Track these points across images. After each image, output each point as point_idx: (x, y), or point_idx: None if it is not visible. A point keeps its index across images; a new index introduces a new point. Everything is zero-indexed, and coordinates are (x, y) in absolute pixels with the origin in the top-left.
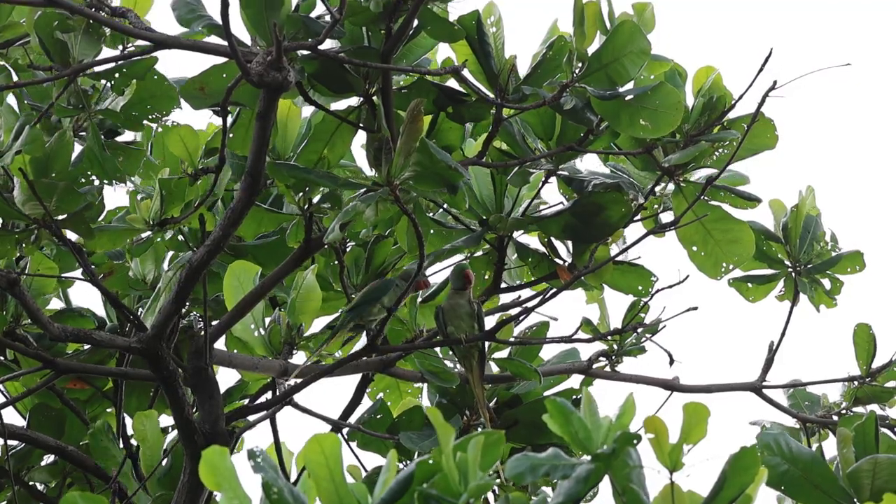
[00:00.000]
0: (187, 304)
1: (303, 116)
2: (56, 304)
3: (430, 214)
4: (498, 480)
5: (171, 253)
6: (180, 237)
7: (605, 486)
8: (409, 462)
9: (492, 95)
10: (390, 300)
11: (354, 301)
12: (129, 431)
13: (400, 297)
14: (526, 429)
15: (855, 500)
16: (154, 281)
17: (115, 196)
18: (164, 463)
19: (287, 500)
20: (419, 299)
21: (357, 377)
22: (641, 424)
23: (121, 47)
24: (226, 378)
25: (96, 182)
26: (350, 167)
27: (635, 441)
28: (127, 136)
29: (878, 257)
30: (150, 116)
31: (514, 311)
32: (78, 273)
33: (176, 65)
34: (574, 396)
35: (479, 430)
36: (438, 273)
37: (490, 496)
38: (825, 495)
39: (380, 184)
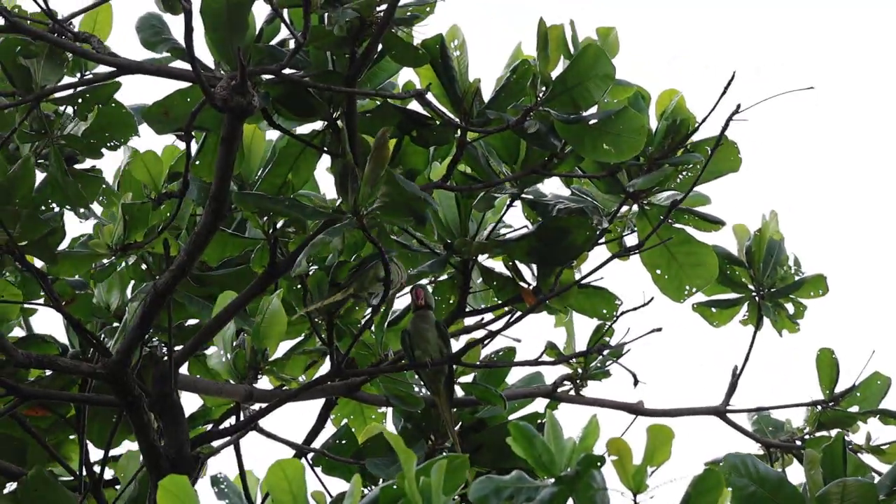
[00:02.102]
0: (151, 329)
1: (267, 140)
2: (18, 331)
3: (395, 237)
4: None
5: (133, 282)
6: (143, 266)
7: None
8: (373, 488)
9: (456, 119)
10: (394, 272)
11: (354, 268)
12: (92, 458)
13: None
14: (491, 453)
15: None
16: (118, 309)
17: (77, 224)
18: (130, 491)
19: None
20: (388, 320)
21: (321, 402)
22: (605, 447)
23: (84, 73)
24: (188, 403)
25: (57, 209)
26: (314, 196)
27: (599, 463)
28: (86, 163)
29: (840, 281)
30: (108, 144)
31: (478, 335)
32: (41, 300)
33: (139, 91)
34: (539, 420)
35: (445, 454)
36: (401, 298)
37: None
38: None
39: (346, 212)
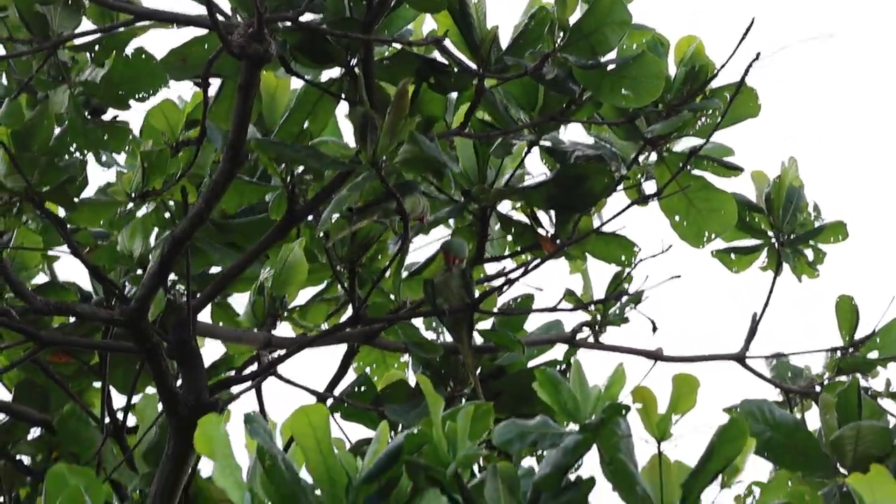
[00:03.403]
0: (170, 277)
1: (292, 90)
2: (43, 278)
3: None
4: (486, 451)
5: (157, 230)
6: (167, 214)
7: (591, 456)
8: (394, 434)
9: (474, 66)
10: (411, 205)
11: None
12: (115, 404)
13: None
14: (510, 399)
15: (838, 465)
16: (141, 257)
17: (99, 173)
18: (151, 437)
19: (280, 468)
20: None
21: (342, 350)
22: (628, 394)
23: (114, 22)
24: (211, 352)
25: (78, 155)
26: (333, 143)
27: (624, 411)
28: (111, 114)
29: (860, 227)
30: (137, 95)
31: (496, 282)
32: (62, 247)
33: (160, 43)
34: (558, 367)
35: (464, 400)
36: (420, 249)
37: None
38: (808, 461)
39: (365, 163)
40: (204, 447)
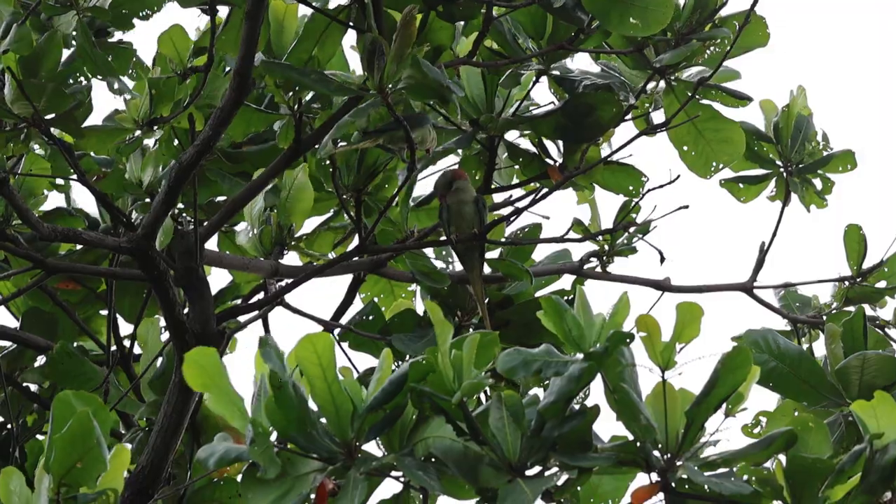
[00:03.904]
0: (177, 204)
1: (300, 17)
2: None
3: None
4: (491, 380)
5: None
6: (176, 142)
7: (597, 385)
8: (401, 363)
9: None
10: (420, 136)
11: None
12: (122, 332)
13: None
14: (517, 329)
15: (843, 395)
16: (150, 185)
17: (105, 100)
18: (157, 366)
19: (290, 394)
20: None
21: (349, 279)
22: (634, 323)
23: None
24: (218, 280)
25: (84, 82)
26: (340, 75)
27: (628, 340)
28: (116, 36)
29: (869, 156)
30: (140, 13)
31: (504, 212)
32: (71, 174)
33: None
34: (565, 297)
35: (472, 330)
36: (430, 175)
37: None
38: (813, 391)
39: (372, 90)
40: (195, 381)
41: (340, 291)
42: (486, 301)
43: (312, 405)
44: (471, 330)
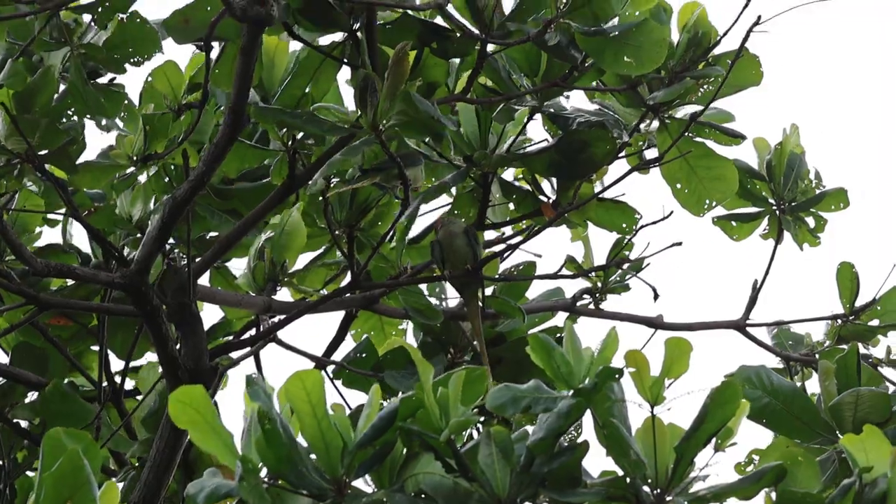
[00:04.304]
0: (170, 240)
1: (291, 52)
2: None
3: (416, 148)
4: (479, 417)
5: (156, 195)
6: (166, 178)
7: (587, 420)
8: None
9: (476, 31)
10: (413, 173)
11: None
12: (113, 368)
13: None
14: (510, 367)
15: (837, 431)
16: (140, 220)
17: (99, 137)
18: (150, 403)
19: (279, 432)
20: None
21: (341, 316)
22: (623, 359)
23: None
24: (210, 316)
25: (77, 118)
26: (334, 109)
27: (617, 375)
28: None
29: (861, 195)
30: (131, 59)
31: (498, 248)
32: (63, 210)
33: (161, 5)
34: (558, 334)
35: (465, 367)
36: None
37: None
38: (807, 427)
39: (365, 127)
40: (180, 418)
41: (333, 327)
42: None
43: (302, 441)
44: (464, 367)
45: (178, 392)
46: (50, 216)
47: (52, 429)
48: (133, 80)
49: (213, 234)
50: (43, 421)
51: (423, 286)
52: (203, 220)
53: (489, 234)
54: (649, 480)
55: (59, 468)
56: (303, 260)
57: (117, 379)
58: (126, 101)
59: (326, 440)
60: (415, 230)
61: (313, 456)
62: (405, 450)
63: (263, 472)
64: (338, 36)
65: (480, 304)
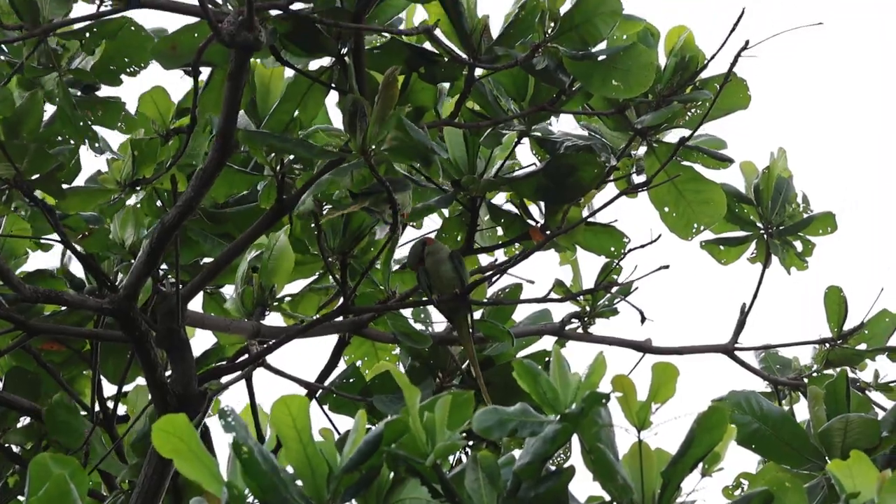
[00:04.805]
0: (160, 265)
1: (286, 79)
2: (50, 263)
3: (404, 173)
4: (471, 442)
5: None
6: (158, 202)
7: (574, 444)
8: None
9: (464, 55)
10: (402, 199)
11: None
12: (106, 393)
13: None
14: (499, 390)
15: (826, 457)
16: (133, 245)
17: (91, 160)
18: (141, 428)
19: (257, 460)
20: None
21: (334, 342)
22: (610, 384)
23: (95, 4)
24: (202, 342)
25: (72, 143)
26: (325, 129)
27: (604, 400)
28: (105, 91)
29: (849, 219)
30: (127, 70)
31: (486, 272)
32: (52, 235)
33: (150, 24)
34: (546, 358)
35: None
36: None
37: (464, 458)
38: (796, 453)
39: (354, 151)
40: (163, 446)
41: (326, 353)
42: (467, 363)
43: (289, 468)
44: (453, 391)
45: (161, 421)
46: (43, 241)
47: (39, 454)
48: (133, 91)
49: (206, 259)
50: (35, 446)
51: (410, 311)
52: (196, 244)
53: (479, 258)
54: None
55: (45, 493)
56: (296, 287)
57: (109, 404)
58: (124, 113)
59: (312, 465)
60: (401, 254)
61: (299, 482)
62: (392, 474)
63: (251, 499)
64: (326, 60)
65: (470, 328)
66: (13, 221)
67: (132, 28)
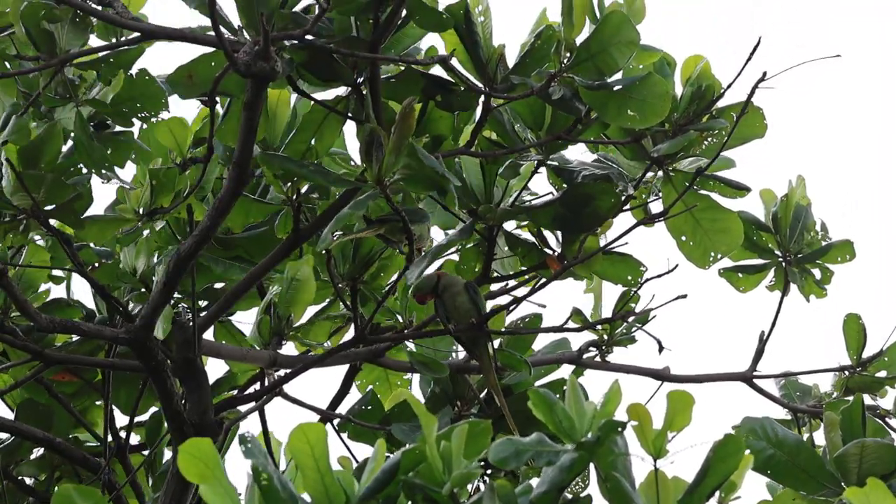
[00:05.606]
0: (175, 294)
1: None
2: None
3: (420, 203)
4: (489, 471)
5: (160, 248)
6: (170, 231)
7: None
8: None
9: (480, 85)
10: (419, 232)
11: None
12: (118, 424)
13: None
14: (516, 420)
15: (842, 483)
16: (144, 274)
17: (106, 190)
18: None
19: (276, 488)
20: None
21: (345, 368)
22: (626, 412)
23: (119, 38)
24: (214, 370)
25: (84, 171)
26: (340, 155)
27: (620, 429)
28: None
29: (868, 246)
30: (139, 115)
31: (504, 301)
32: (69, 265)
33: (166, 60)
34: (564, 387)
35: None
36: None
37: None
38: (812, 479)
39: (370, 181)
40: (190, 471)
41: (337, 380)
42: (485, 392)
43: (306, 496)
44: (471, 419)
45: (187, 444)
46: (54, 273)
47: (63, 486)
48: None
49: (219, 284)
50: (48, 478)
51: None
52: (208, 270)
53: (495, 287)
54: None
55: None
56: (306, 313)
57: (122, 434)
58: (137, 146)
59: (330, 494)
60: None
61: None
62: (409, 503)
63: None
64: (342, 90)
65: (492, 358)
66: (33, 251)
67: (146, 77)
